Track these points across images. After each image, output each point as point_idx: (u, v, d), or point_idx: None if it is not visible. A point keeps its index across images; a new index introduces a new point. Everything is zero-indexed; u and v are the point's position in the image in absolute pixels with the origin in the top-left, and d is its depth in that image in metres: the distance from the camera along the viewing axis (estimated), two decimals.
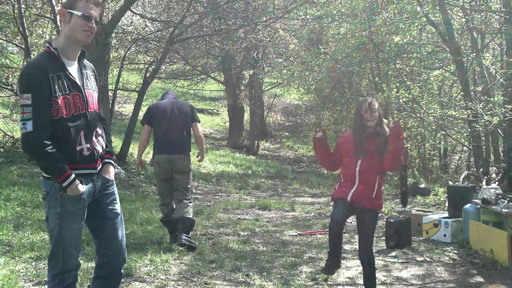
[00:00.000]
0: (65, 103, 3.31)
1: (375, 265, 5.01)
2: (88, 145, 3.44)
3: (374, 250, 6.08)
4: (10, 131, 12.12)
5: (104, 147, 3.62)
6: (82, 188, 3.36)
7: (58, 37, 3.47)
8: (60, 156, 3.27)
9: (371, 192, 4.83)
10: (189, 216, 6.66)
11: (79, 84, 3.43)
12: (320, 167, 16.51)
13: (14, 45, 13.32)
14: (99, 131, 3.60)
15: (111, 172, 3.66)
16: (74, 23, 3.36)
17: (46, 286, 3.56)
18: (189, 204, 6.73)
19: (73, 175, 3.30)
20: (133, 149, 13.11)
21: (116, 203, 3.67)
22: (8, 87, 12.27)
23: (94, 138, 3.51)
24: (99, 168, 3.56)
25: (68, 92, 3.33)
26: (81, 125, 3.40)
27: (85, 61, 3.58)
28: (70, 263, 3.40)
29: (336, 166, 5.19)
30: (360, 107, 4.99)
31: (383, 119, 4.98)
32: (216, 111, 25.04)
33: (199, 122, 7.05)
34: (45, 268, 5.22)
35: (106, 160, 3.65)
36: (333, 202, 5.07)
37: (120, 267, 3.66)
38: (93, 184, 3.49)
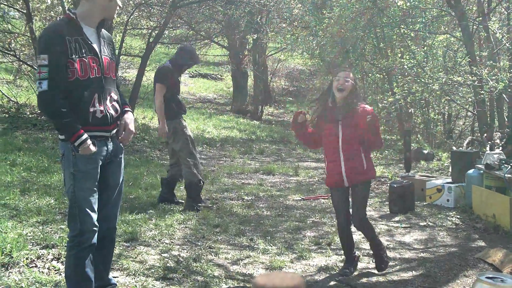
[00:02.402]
0: (81, 65, 3.44)
1: (375, 230, 5.04)
2: (102, 108, 3.55)
3: (377, 215, 6.13)
4: (14, 96, 12.13)
5: (118, 112, 3.72)
6: (93, 148, 3.46)
7: (82, 3, 3.58)
8: (73, 116, 3.39)
9: (361, 165, 4.73)
10: (185, 179, 6.84)
11: (96, 49, 3.55)
12: None
13: (16, 10, 13.21)
14: (115, 96, 3.71)
15: (132, 118, 3.83)
16: (114, 5, 3.62)
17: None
18: (183, 167, 6.83)
19: (85, 135, 3.41)
20: (137, 114, 13.12)
21: (121, 173, 3.82)
22: (11, 53, 12.22)
23: (108, 102, 3.62)
24: (112, 132, 3.65)
25: (84, 55, 3.46)
26: (95, 88, 3.52)
27: (103, 30, 3.71)
28: (87, 223, 3.50)
29: (318, 144, 5.03)
30: (333, 77, 4.84)
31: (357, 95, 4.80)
32: (219, 76, 24.94)
33: (157, 83, 6.71)
34: (52, 232, 5.30)
35: (126, 109, 3.82)
36: (329, 190, 5.05)
37: (109, 233, 3.78)
38: (106, 147, 3.61)
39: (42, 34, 3.42)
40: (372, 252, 5.01)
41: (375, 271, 4.91)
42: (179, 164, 6.94)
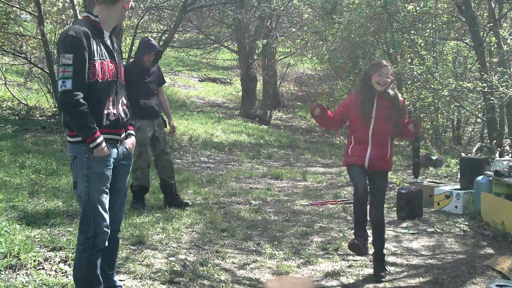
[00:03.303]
0: (101, 67, 3.49)
1: (385, 231, 5.10)
2: (115, 111, 3.61)
3: (385, 221, 6.14)
4: (25, 99, 12.19)
5: (128, 117, 3.78)
6: (107, 150, 3.51)
7: (102, 8, 3.62)
8: (92, 117, 3.42)
9: (386, 153, 4.88)
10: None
11: (114, 53, 3.64)
12: (333, 136, 16.52)
13: (28, 13, 13.29)
14: (125, 101, 3.78)
15: (133, 143, 3.88)
16: (125, 12, 3.74)
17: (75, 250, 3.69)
18: None
19: (101, 137, 3.46)
20: None
21: (127, 176, 3.87)
22: (22, 55, 12.29)
23: (120, 106, 3.68)
24: (122, 136, 3.72)
25: (104, 58, 3.53)
26: (111, 90, 3.59)
27: (112, 37, 3.77)
28: (101, 225, 3.53)
29: (338, 125, 5.25)
30: (370, 69, 4.98)
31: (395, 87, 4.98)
32: (229, 81, 24.97)
33: None
34: (59, 234, 5.32)
35: (130, 132, 3.85)
36: (347, 168, 5.07)
37: (113, 234, 3.78)
38: (116, 151, 3.66)
39: (68, 33, 3.43)
40: (373, 258, 5.03)
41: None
42: (160, 166, 6.91)
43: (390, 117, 4.85)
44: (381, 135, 4.85)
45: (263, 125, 17.38)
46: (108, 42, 3.63)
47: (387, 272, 4.94)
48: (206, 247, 5.48)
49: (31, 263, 4.47)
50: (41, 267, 4.48)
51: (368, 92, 4.90)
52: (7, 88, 12.49)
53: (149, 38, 6.97)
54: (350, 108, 4.98)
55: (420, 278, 4.96)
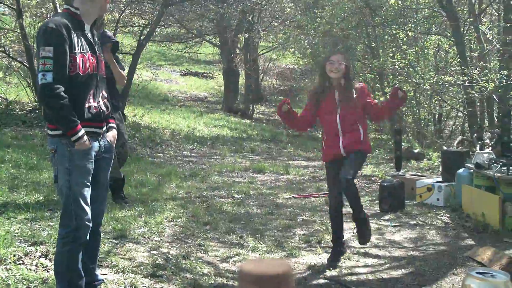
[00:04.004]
0: (82, 61, 3.46)
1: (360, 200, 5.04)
2: (95, 104, 3.58)
3: (368, 214, 6.15)
4: (4, 93, 12.04)
5: (109, 110, 3.75)
6: (89, 143, 3.48)
7: (82, 1, 3.57)
8: (72, 110, 3.39)
9: (359, 136, 4.90)
10: None
11: (95, 46, 3.61)
12: (316, 130, 16.54)
13: (6, 6, 13.10)
14: (105, 94, 3.75)
15: (115, 135, 3.86)
16: (106, 4, 3.69)
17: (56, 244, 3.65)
18: None
19: (83, 130, 3.42)
20: (127, 111, 13.05)
21: (109, 170, 3.84)
22: (0, 49, 12.12)
23: (100, 99, 3.65)
24: (104, 129, 3.70)
25: (85, 51, 3.49)
26: (92, 84, 3.55)
27: (93, 30, 3.74)
28: (83, 218, 3.49)
29: (305, 126, 5.28)
30: (322, 61, 5.14)
31: (350, 75, 5.03)
32: (211, 75, 24.90)
33: None
34: (40, 228, 5.26)
35: (111, 125, 3.82)
36: (325, 165, 5.15)
37: (95, 228, 3.75)
38: (98, 144, 3.63)
39: (48, 25, 3.38)
40: (356, 229, 5.08)
41: (365, 270, 4.91)
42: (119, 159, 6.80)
43: (355, 103, 4.90)
44: (349, 120, 4.88)
45: (246, 119, 17.38)
46: (89, 35, 3.59)
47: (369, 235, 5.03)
48: (189, 241, 5.45)
49: (11, 258, 4.41)
50: (21, 262, 4.42)
51: (325, 82, 5.01)
52: None
53: (104, 30, 6.76)
54: (314, 104, 5.04)
55: (402, 269, 4.99)
